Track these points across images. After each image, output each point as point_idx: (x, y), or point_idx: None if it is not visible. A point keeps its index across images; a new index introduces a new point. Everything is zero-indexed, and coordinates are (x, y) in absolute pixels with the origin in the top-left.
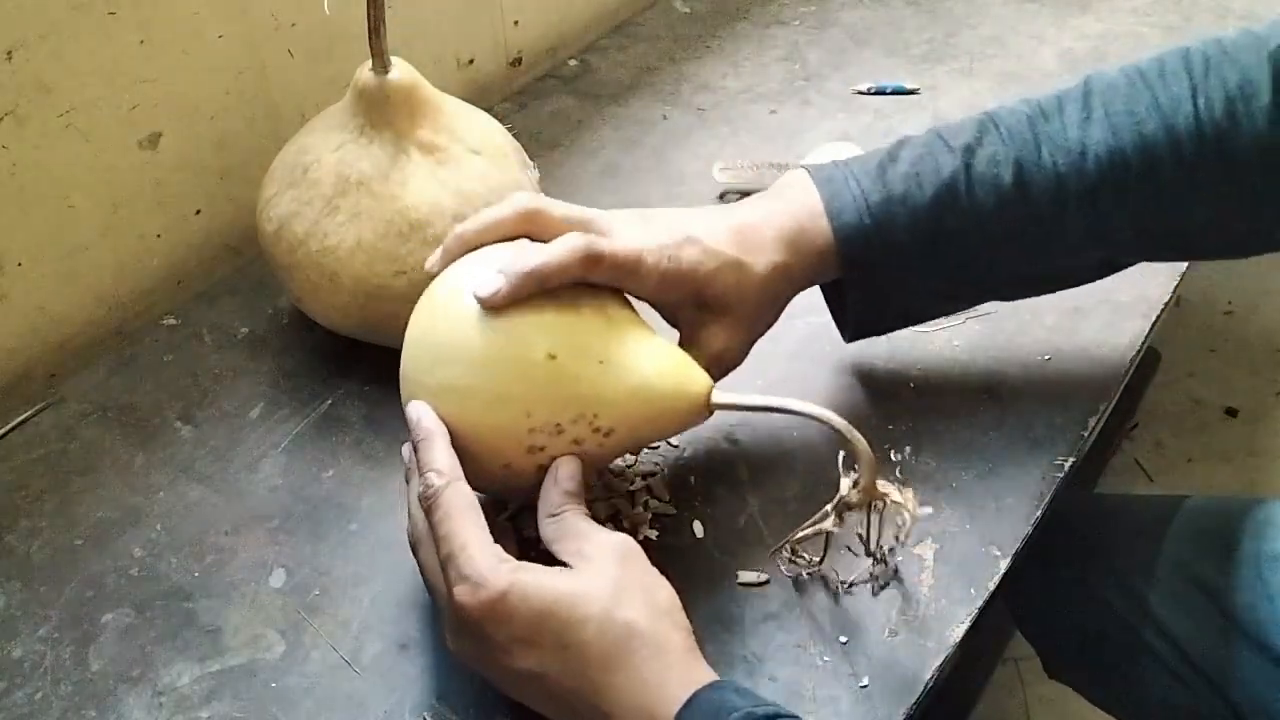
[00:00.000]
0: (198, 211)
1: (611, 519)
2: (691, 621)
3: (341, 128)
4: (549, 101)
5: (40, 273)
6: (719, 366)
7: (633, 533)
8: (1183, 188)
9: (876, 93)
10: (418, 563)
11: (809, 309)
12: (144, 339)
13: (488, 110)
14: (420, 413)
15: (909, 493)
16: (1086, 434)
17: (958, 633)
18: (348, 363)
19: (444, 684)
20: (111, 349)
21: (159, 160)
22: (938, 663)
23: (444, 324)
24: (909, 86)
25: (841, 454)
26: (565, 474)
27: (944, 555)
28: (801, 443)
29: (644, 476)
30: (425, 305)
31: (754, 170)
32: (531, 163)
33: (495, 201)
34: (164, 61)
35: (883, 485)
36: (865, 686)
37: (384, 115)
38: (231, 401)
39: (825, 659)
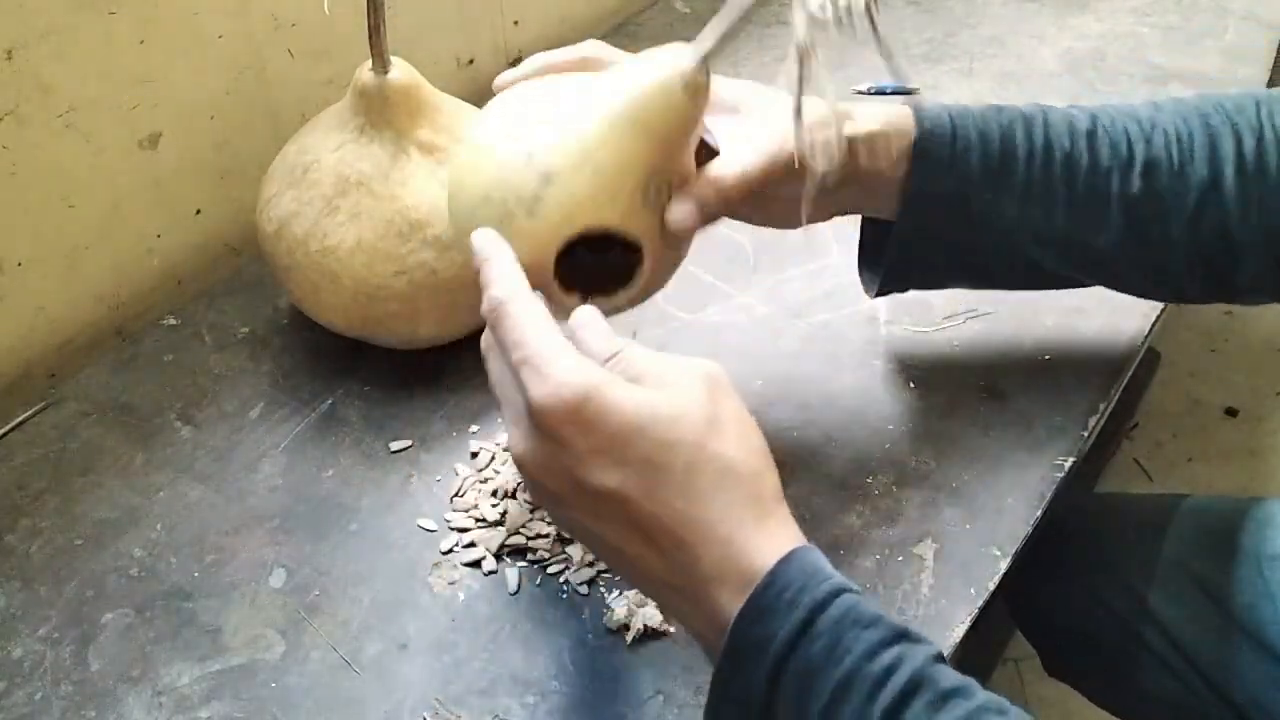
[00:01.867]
0: (198, 211)
1: None
2: None
3: (341, 128)
4: None
5: (40, 273)
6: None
7: None
8: (1235, 197)
9: (876, 93)
10: (489, 376)
11: (811, 308)
12: (144, 339)
13: None
14: (479, 239)
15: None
16: (1086, 434)
17: (958, 633)
18: (348, 363)
19: (444, 684)
20: (111, 349)
21: (159, 160)
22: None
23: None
24: (909, 86)
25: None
26: (586, 318)
27: (944, 555)
28: (801, 443)
29: None
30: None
31: None
32: None
33: None
34: (164, 61)
35: None
36: None
37: (384, 115)
38: (231, 401)
39: None
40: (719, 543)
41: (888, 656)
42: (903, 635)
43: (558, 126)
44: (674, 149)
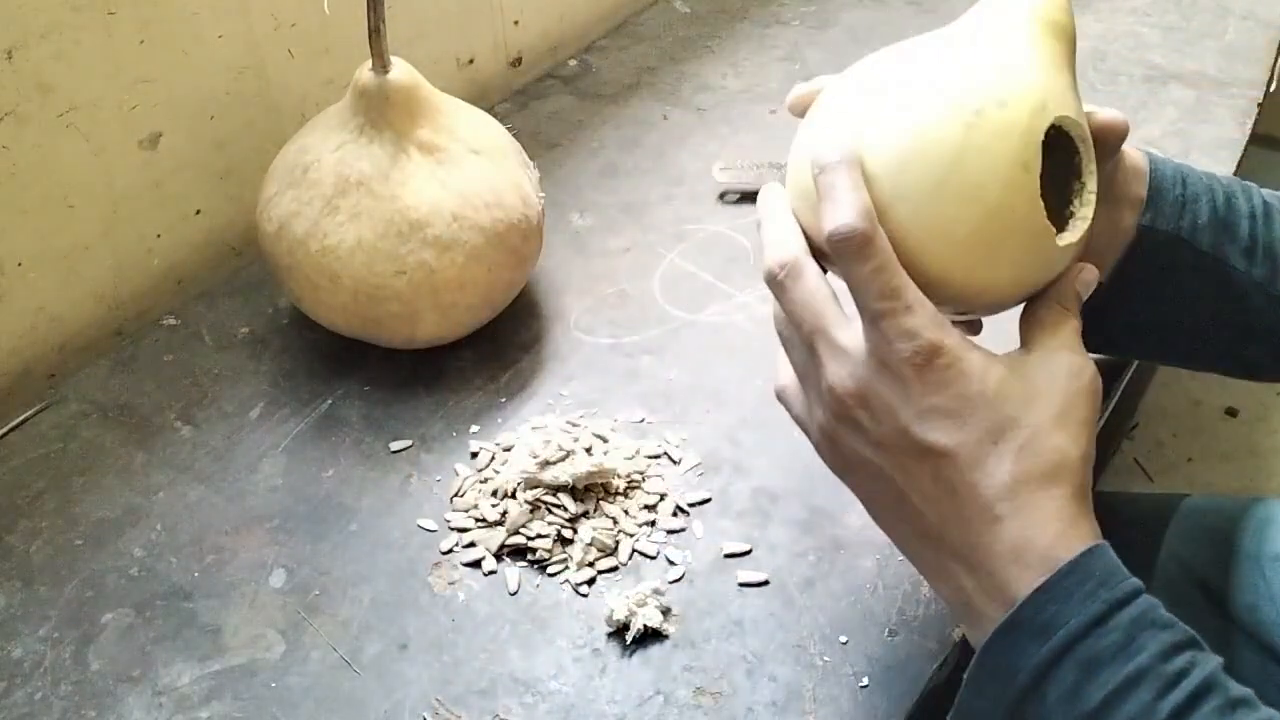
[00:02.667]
0: (198, 211)
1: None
2: (690, 621)
3: (341, 128)
4: (549, 101)
5: (40, 273)
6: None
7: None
8: None
9: None
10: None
11: None
12: (144, 339)
13: (488, 110)
14: (765, 193)
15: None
16: None
17: (958, 633)
18: (348, 363)
19: (444, 684)
20: (111, 349)
21: (159, 160)
22: (938, 663)
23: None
24: None
25: None
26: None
27: None
28: (801, 442)
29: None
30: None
31: (754, 170)
32: (531, 163)
33: (495, 202)
34: (164, 61)
35: None
36: (865, 686)
37: (384, 115)
38: (231, 401)
39: (825, 659)
40: (1031, 525)
41: (1181, 660)
42: (1196, 642)
43: (972, 45)
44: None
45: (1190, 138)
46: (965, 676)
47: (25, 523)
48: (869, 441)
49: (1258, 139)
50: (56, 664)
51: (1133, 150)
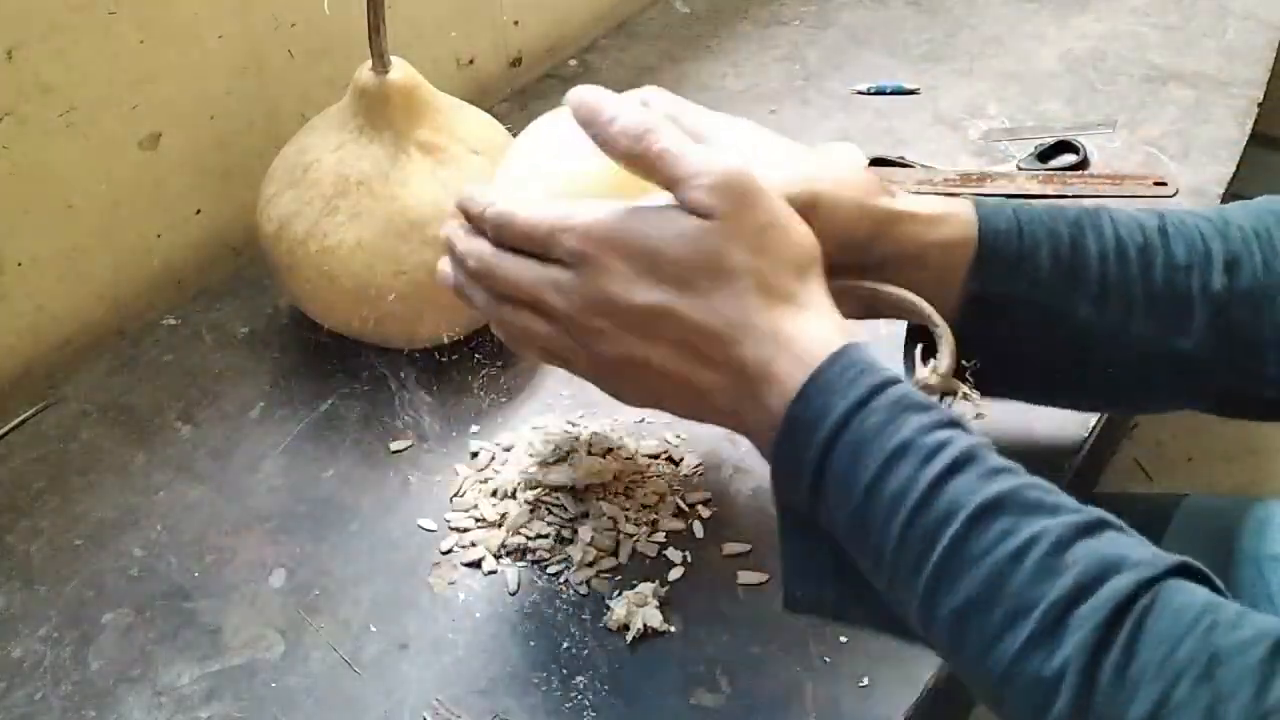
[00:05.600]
0: (198, 211)
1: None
2: (690, 621)
3: (341, 128)
4: (549, 101)
5: (40, 273)
6: None
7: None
8: None
9: (876, 93)
10: (496, 278)
11: None
12: (144, 339)
13: (488, 110)
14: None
15: (976, 393)
16: (1086, 434)
17: None
18: (348, 363)
19: (444, 684)
20: (111, 349)
21: (159, 160)
22: (938, 663)
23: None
24: (909, 86)
25: (920, 347)
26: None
27: None
28: None
29: (659, 494)
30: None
31: None
32: None
33: None
34: (164, 61)
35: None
36: (865, 686)
37: (384, 115)
38: (231, 401)
39: (825, 659)
40: (766, 339)
41: (941, 434)
42: (956, 423)
43: None
44: None
45: (1190, 138)
46: (772, 489)
47: (25, 523)
48: (606, 336)
49: (1258, 139)
50: (56, 664)
51: (957, 209)
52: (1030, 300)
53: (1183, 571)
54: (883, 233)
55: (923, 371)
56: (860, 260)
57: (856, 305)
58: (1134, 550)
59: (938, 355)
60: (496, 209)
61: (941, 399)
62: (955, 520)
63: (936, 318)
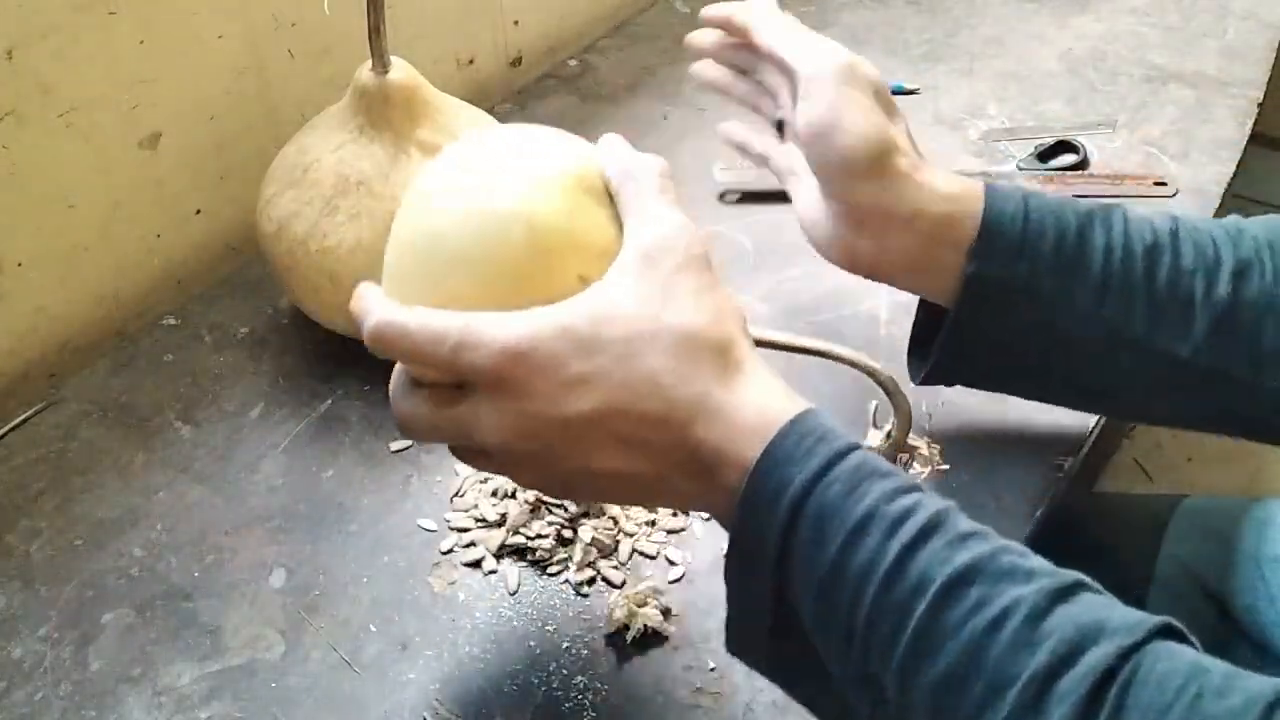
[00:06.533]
0: (198, 211)
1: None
2: (690, 621)
3: (341, 128)
4: (549, 101)
5: (40, 273)
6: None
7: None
8: None
9: None
10: (416, 420)
11: (811, 308)
12: (144, 339)
13: (488, 110)
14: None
15: (936, 448)
16: (1086, 434)
17: None
18: (348, 363)
19: (444, 684)
20: (111, 349)
21: (159, 160)
22: None
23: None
24: (909, 86)
25: (874, 405)
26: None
27: None
28: None
29: None
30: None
31: (754, 170)
32: None
33: None
34: (164, 61)
35: (910, 438)
36: None
37: (384, 115)
38: (231, 401)
39: None
40: (716, 417)
41: (906, 500)
42: (918, 486)
43: None
44: None
45: (1190, 138)
46: (725, 561)
47: (25, 523)
48: (554, 454)
49: (1258, 139)
50: (56, 664)
51: (967, 186)
52: (1029, 287)
53: (1164, 632)
54: (875, 168)
55: (874, 435)
56: (850, 187)
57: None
58: (1112, 615)
59: (894, 421)
60: (376, 321)
61: (896, 459)
62: (928, 592)
63: (895, 385)
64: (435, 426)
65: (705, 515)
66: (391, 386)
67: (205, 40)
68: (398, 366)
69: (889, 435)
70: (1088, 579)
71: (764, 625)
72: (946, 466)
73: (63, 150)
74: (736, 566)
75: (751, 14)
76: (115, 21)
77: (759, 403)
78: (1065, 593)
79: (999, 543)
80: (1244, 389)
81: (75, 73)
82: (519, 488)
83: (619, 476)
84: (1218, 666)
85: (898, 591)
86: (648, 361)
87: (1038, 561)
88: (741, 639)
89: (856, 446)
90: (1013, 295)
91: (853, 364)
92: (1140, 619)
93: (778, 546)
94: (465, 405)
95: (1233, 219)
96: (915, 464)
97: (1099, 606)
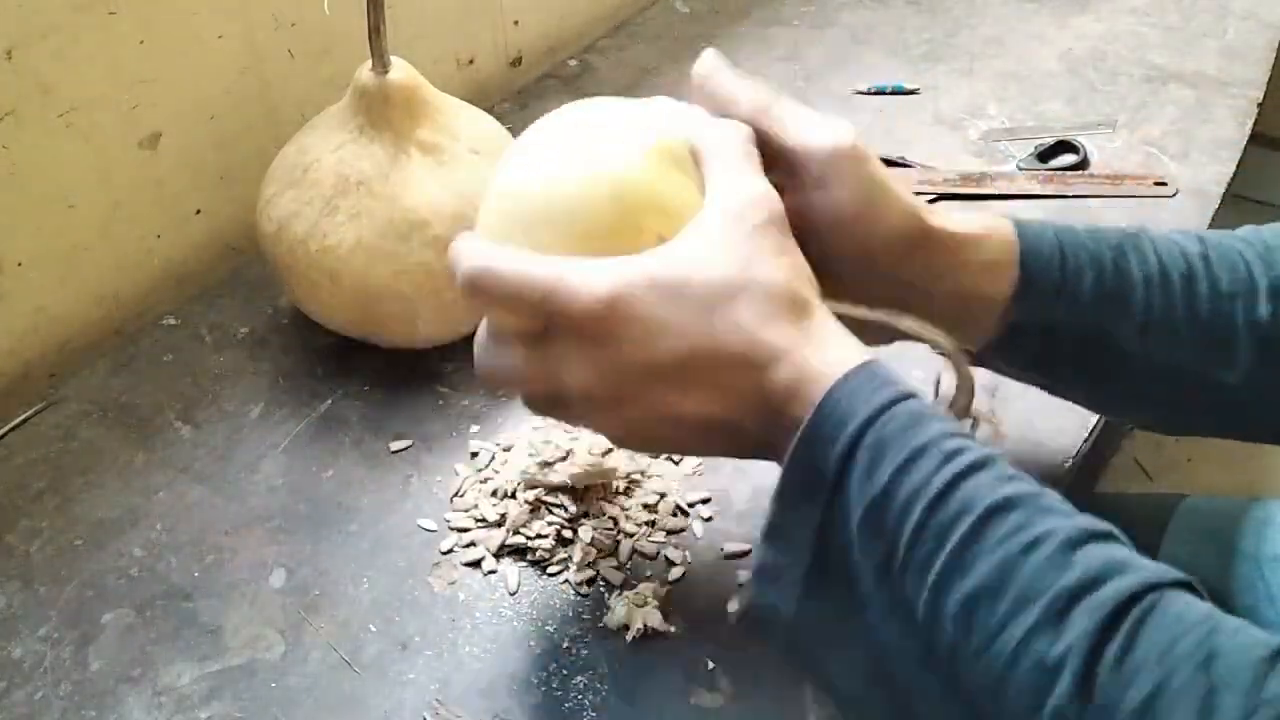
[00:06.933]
0: (198, 211)
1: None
2: (690, 621)
3: (341, 128)
4: (549, 101)
5: (40, 273)
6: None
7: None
8: None
9: (876, 93)
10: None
11: None
12: (144, 339)
13: (488, 110)
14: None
15: (999, 419)
16: (1086, 434)
17: None
18: (348, 363)
19: (444, 684)
20: (111, 349)
21: (159, 160)
22: None
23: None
24: (909, 86)
25: (937, 376)
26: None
27: None
28: None
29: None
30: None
31: None
32: None
33: None
34: (164, 61)
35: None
36: None
37: (384, 115)
38: (231, 401)
39: None
40: (792, 362)
41: (960, 440)
42: (972, 436)
43: None
44: None
45: (1190, 138)
46: (774, 496)
47: (25, 523)
48: (637, 398)
49: (1258, 139)
50: (56, 664)
51: (992, 228)
52: (1070, 325)
53: (1186, 586)
54: (918, 245)
55: (937, 406)
56: (891, 271)
57: (871, 334)
58: (1141, 560)
59: (958, 390)
60: (471, 266)
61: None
62: (971, 514)
63: (951, 347)
64: (518, 370)
65: (750, 470)
66: (476, 339)
67: (205, 40)
68: (483, 322)
69: (951, 405)
70: (1122, 534)
71: (802, 564)
72: (1008, 435)
73: (63, 150)
74: (787, 498)
75: (721, 85)
76: (115, 21)
77: (831, 351)
78: (1101, 535)
79: (1045, 489)
80: None
81: (75, 73)
82: (519, 487)
83: (693, 421)
84: (1234, 618)
85: (942, 514)
86: (731, 310)
87: (1077, 511)
88: (774, 576)
89: (917, 394)
90: (1052, 335)
91: (917, 337)
92: (1166, 568)
93: (835, 473)
94: (554, 349)
95: (1251, 229)
96: (980, 429)
97: (1129, 553)
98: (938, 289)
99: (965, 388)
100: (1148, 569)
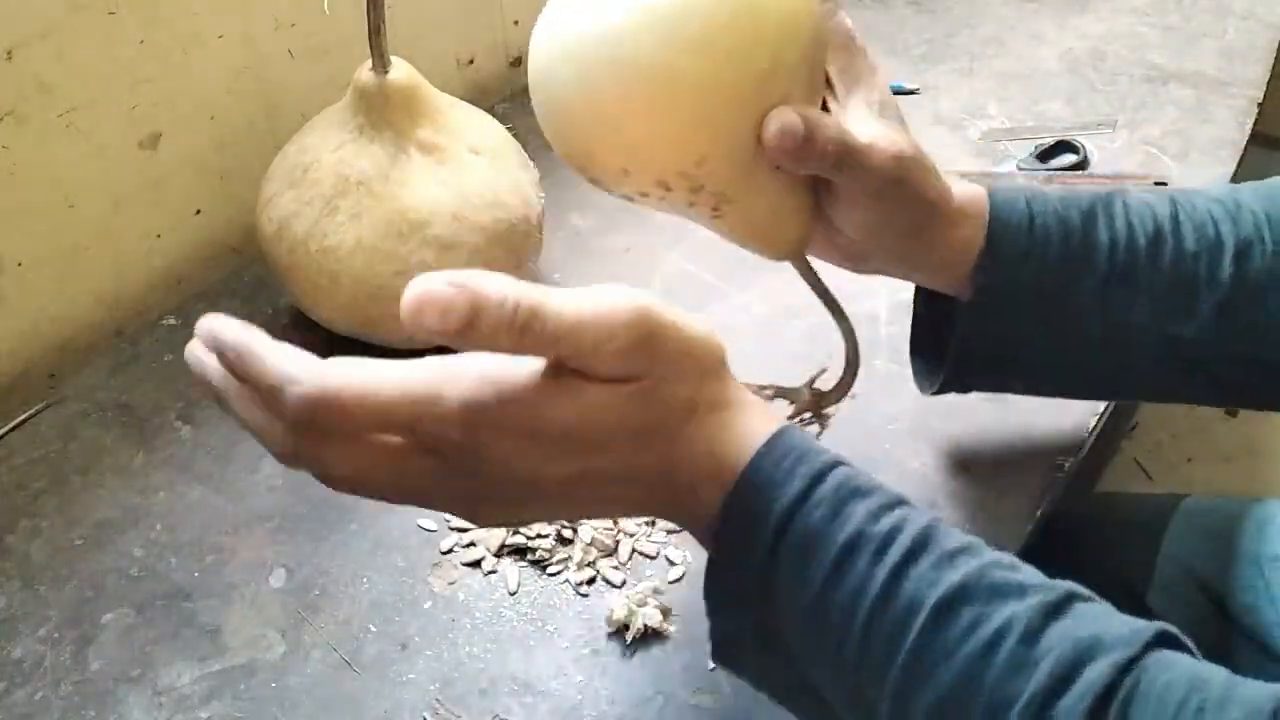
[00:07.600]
0: (198, 211)
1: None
2: (690, 621)
3: (341, 128)
4: None
5: (40, 273)
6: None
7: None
8: None
9: None
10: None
11: (811, 308)
12: (144, 339)
13: (488, 110)
14: (216, 324)
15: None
16: (1086, 434)
17: None
18: None
19: (444, 684)
20: (111, 349)
21: (159, 160)
22: None
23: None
24: (909, 86)
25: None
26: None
27: None
28: None
29: None
30: None
31: None
32: (531, 163)
33: (495, 202)
34: (164, 61)
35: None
36: None
37: (384, 115)
38: None
39: None
40: (700, 455)
41: (891, 519)
42: (903, 501)
43: None
44: None
45: (1190, 138)
46: (706, 594)
47: (25, 523)
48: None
49: (1258, 139)
50: (56, 664)
51: (972, 196)
52: (1033, 285)
53: (1160, 641)
54: (939, 201)
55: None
56: (886, 222)
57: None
58: (1108, 627)
59: (843, 368)
60: (304, 394)
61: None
62: (919, 615)
63: (847, 330)
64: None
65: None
66: (270, 437)
67: (205, 40)
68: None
69: (837, 386)
70: (1080, 588)
71: (748, 643)
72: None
73: (63, 150)
74: (719, 593)
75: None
76: (115, 21)
77: (739, 427)
78: (1059, 607)
79: (988, 557)
80: (1248, 362)
81: (75, 73)
82: None
83: (590, 508)
84: (1217, 676)
85: (888, 617)
86: (642, 433)
87: (1028, 573)
88: (726, 654)
89: (835, 464)
90: (1019, 299)
91: (842, 323)
92: (1136, 629)
93: (761, 576)
94: (405, 461)
95: (1229, 189)
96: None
97: (1094, 618)
98: (923, 233)
99: (851, 368)
100: (1118, 641)
